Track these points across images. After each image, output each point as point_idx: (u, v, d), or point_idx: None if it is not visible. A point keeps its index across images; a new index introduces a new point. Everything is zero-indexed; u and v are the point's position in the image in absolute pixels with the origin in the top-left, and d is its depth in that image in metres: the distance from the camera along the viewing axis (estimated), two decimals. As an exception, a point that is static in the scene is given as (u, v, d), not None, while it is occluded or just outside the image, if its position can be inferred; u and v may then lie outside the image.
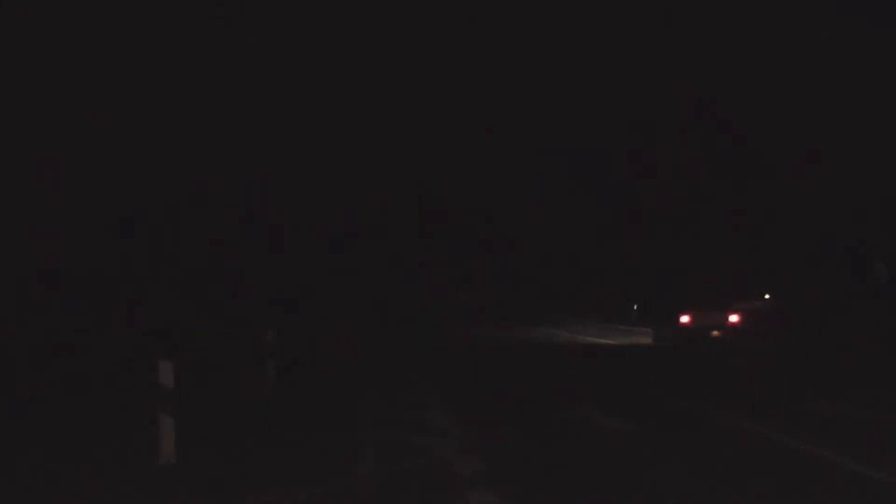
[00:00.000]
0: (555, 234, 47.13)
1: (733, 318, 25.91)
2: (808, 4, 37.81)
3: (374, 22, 39.22)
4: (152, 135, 33.32)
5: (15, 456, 9.34)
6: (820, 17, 37.14)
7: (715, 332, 25.64)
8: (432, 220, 45.64)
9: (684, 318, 25.97)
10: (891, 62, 35.03)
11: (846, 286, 30.37)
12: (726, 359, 21.35)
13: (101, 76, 33.39)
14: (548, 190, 44.13)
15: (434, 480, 7.78)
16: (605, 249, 45.42)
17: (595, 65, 41.52)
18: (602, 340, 30.15)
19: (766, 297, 32.97)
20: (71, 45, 33.04)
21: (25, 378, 15.52)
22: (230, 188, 35.73)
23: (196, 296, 29.27)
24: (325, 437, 10.03)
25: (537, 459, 8.77)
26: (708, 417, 11.20)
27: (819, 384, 14.90)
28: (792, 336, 26.06)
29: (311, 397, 13.91)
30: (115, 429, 10.71)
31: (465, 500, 7.04)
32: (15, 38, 29.96)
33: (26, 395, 13.98)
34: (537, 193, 44.70)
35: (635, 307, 39.28)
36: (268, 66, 37.61)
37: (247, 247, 35.65)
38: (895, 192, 34.29)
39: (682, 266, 39.11)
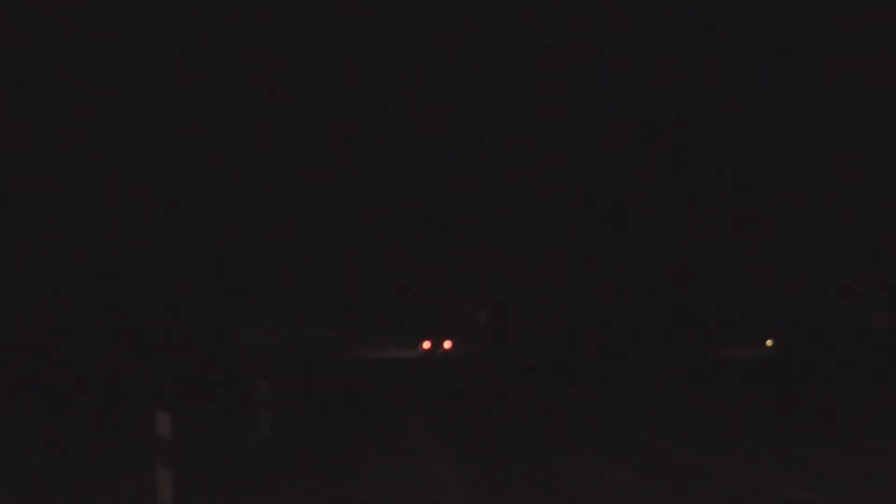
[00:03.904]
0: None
1: (447, 344, 42.55)
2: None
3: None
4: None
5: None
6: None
7: (440, 352, 42.27)
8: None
9: (426, 344, 42.35)
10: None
11: None
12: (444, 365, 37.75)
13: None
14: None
15: None
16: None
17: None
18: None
19: (769, 342, 40.67)
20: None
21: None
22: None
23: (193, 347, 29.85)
24: (318, 491, 10.01)
25: None
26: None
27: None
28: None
29: (305, 446, 13.90)
30: (110, 480, 10.68)
31: None
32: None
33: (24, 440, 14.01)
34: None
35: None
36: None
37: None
38: None
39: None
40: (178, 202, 37.42)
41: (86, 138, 35.21)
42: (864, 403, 19.89)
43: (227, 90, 38.15)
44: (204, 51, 37.25)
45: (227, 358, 31.26)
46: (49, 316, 30.92)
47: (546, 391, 24.54)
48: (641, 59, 39.68)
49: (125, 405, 17.19)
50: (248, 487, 10.06)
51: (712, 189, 40.22)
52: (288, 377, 23.42)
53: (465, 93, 41.12)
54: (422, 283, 46.86)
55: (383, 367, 37.12)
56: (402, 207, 42.54)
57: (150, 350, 28.43)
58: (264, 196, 39.65)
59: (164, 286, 34.39)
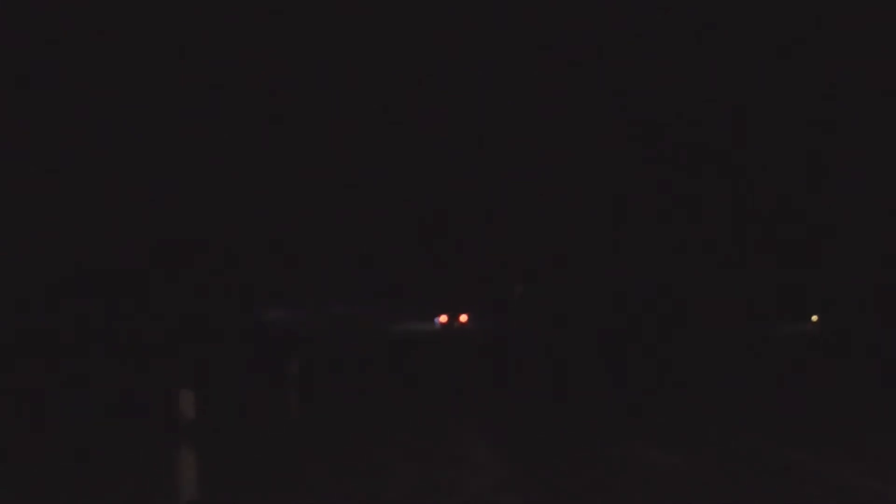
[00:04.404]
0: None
1: (463, 318, 44.89)
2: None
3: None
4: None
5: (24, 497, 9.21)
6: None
7: (456, 325, 44.72)
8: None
9: (443, 318, 44.87)
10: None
11: None
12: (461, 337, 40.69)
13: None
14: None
15: None
16: None
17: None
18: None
19: (814, 318, 40.46)
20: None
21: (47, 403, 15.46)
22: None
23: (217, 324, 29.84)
24: (352, 475, 9.87)
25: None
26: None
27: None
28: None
29: (335, 427, 13.69)
30: (133, 462, 10.55)
31: None
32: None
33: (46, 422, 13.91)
34: None
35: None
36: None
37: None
38: None
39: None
40: (178, 202, 37.41)
41: (86, 138, 35.15)
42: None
43: (227, 90, 38.12)
44: (204, 51, 37.23)
45: (252, 336, 31.38)
46: (49, 315, 30.85)
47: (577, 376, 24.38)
48: (641, 59, 39.73)
49: (147, 388, 17.10)
50: (273, 473, 9.94)
51: (712, 189, 40.23)
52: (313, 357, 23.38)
53: (465, 93, 41.14)
54: (440, 258, 47.09)
55: (402, 339, 39.55)
56: (402, 207, 42.57)
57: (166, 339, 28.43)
58: (264, 196, 39.61)
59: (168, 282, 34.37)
